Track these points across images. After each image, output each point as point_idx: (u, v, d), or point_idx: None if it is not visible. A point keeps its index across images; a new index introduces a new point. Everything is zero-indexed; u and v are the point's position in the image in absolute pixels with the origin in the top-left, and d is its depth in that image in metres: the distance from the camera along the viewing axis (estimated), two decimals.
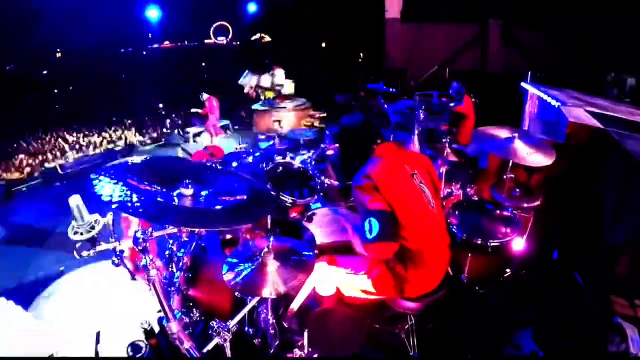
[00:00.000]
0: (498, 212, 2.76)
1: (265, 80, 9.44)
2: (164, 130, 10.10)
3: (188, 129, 9.47)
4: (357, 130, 2.11)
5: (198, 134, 9.18)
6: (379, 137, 2.11)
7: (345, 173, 2.19)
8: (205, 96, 8.66)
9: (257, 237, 2.25)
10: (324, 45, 14.79)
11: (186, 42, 16.78)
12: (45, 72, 13.26)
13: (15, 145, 8.77)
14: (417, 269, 1.93)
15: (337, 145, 2.24)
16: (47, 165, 7.62)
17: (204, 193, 1.78)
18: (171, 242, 2.21)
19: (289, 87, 9.65)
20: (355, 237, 2.10)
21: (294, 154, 3.52)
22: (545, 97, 3.97)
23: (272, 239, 1.75)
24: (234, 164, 3.35)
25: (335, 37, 13.46)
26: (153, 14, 14.48)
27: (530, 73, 4.86)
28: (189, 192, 1.68)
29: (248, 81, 9.41)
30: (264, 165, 3.04)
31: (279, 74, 9.46)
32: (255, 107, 9.41)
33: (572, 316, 2.47)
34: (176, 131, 10.01)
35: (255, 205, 1.80)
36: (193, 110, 8.93)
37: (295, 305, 2.15)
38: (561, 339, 2.31)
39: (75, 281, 3.19)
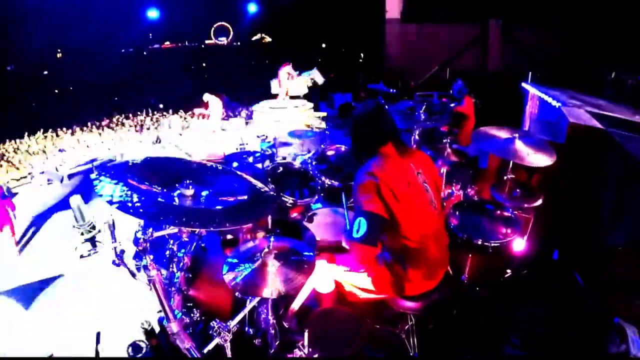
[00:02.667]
0: (498, 212, 2.76)
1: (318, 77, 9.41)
2: (164, 130, 10.11)
3: (188, 129, 9.48)
4: (369, 116, 2.02)
5: (198, 134, 9.18)
6: (389, 133, 2.00)
7: (356, 163, 2.11)
8: (207, 95, 8.66)
9: (257, 237, 2.24)
10: (324, 45, 14.80)
11: (187, 42, 16.79)
12: (45, 72, 13.26)
13: (15, 145, 8.77)
14: (416, 268, 1.93)
15: (349, 135, 2.12)
16: (47, 165, 7.62)
17: (204, 193, 1.78)
18: (171, 242, 2.21)
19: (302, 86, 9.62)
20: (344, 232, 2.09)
21: (294, 154, 3.52)
22: (545, 97, 3.98)
23: (272, 239, 1.75)
24: (235, 164, 3.35)
25: (335, 37, 13.47)
26: (153, 13, 14.51)
27: (530, 73, 4.87)
28: (189, 192, 1.68)
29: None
30: (265, 166, 3.05)
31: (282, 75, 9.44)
32: (255, 107, 9.43)
33: (572, 316, 2.47)
34: (176, 131, 10.01)
35: (256, 205, 1.81)
36: (196, 110, 8.94)
37: (296, 305, 2.15)
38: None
39: (76, 281, 3.19)
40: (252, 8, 16.02)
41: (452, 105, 4.86)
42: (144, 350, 1.97)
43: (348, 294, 2.14)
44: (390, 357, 2.27)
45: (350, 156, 3.30)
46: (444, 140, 3.69)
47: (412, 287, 1.97)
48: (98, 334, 2.21)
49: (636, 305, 2.24)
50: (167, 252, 2.23)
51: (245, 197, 1.82)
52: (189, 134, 9.29)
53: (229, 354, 1.67)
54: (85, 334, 2.41)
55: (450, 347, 2.41)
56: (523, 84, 4.85)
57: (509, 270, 2.86)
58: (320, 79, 9.33)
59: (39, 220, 5.46)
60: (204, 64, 15.26)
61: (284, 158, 3.27)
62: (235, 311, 1.87)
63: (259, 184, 2.04)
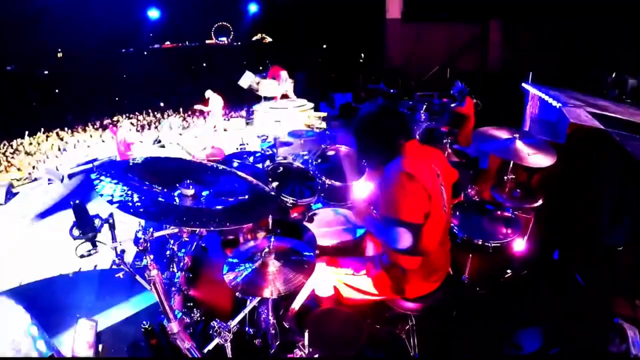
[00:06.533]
0: (499, 212, 2.76)
1: (267, 88, 9.44)
2: (165, 130, 10.12)
3: (189, 129, 9.49)
4: (380, 117, 1.87)
5: (199, 134, 9.19)
6: (408, 129, 1.88)
7: (370, 166, 1.97)
8: (210, 93, 8.67)
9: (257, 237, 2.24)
10: (324, 45, 14.80)
11: (187, 42, 16.80)
12: (46, 72, 13.27)
13: (16, 145, 8.78)
14: (418, 271, 1.91)
15: (356, 139, 1.95)
16: (47, 165, 7.63)
17: (204, 193, 1.78)
18: (172, 242, 2.21)
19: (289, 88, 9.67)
20: (377, 234, 2.00)
21: (294, 154, 3.52)
22: (546, 97, 3.98)
23: (272, 239, 1.75)
24: (235, 164, 3.35)
25: (335, 37, 13.47)
26: (154, 13, 14.52)
27: (530, 73, 4.86)
28: (189, 192, 1.68)
29: (248, 81, 9.41)
30: (265, 165, 3.05)
31: (284, 76, 9.45)
32: (256, 107, 9.43)
33: (572, 316, 2.47)
34: (177, 131, 10.02)
35: (256, 205, 1.80)
36: (197, 107, 8.94)
37: (296, 305, 2.15)
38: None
39: (76, 281, 3.19)
40: (253, 8, 16.02)
41: (452, 105, 4.86)
42: (144, 351, 1.97)
43: (346, 300, 2.12)
44: (390, 357, 2.27)
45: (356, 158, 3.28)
46: (444, 141, 3.69)
47: (412, 289, 1.96)
48: (99, 334, 2.20)
49: (637, 305, 2.24)
50: (168, 252, 2.23)
51: (246, 197, 1.82)
52: (189, 133, 9.30)
53: (229, 354, 1.67)
54: (85, 333, 2.41)
55: (451, 348, 2.41)
56: (523, 84, 4.85)
57: (509, 271, 2.86)
58: (245, 83, 9.38)
59: (39, 220, 5.47)
60: (204, 64, 15.26)
61: (285, 158, 3.27)
62: (235, 311, 1.87)
63: (261, 184, 2.04)
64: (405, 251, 1.70)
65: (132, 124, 9.78)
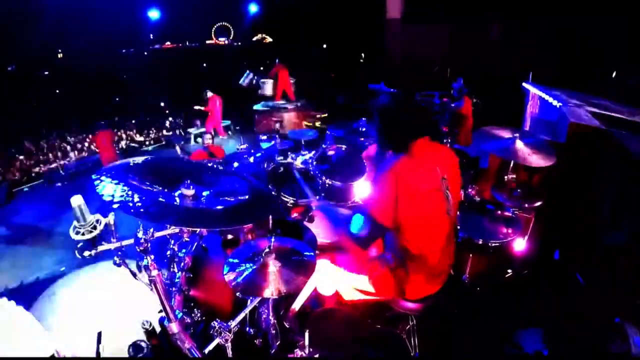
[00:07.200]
0: (499, 212, 2.76)
1: (268, 88, 9.50)
2: (165, 130, 10.13)
3: (189, 130, 9.49)
4: (396, 112, 1.85)
5: (199, 135, 9.18)
6: (422, 127, 1.86)
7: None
8: (209, 94, 8.65)
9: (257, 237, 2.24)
10: (324, 45, 14.80)
11: (187, 43, 16.81)
12: (46, 73, 13.27)
13: (17, 145, 8.77)
14: (418, 272, 1.91)
15: (376, 128, 1.95)
16: (48, 165, 7.63)
17: (205, 193, 1.78)
18: (172, 242, 2.22)
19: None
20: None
21: (295, 155, 3.52)
22: (546, 97, 3.97)
23: (273, 239, 1.75)
24: (235, 164, 3.35)
25: (335, 37, 13.47)
26: (154, 14, 14.53)
27: (531, 73, 4.86)
28: (190, 192, 1.68)
29: (248, 81, 9.43)
30: (265, 166, 3.05)
31: (285, 75, 9.47)
32: (257, 107, 9.42)
33: (572, 316, 2.47)
34: (177, 131, 10.03)
35: (257, 205, 1.81)
36: (196, 107, 8.93)
37: (297, 305, 2.15)
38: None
39: (77, 281, 3.20)
40: (253, 8, 16.04)
41: (452, 105, 4.86)
42: (144, 351, 1.97)
43: (348, 301, 2.12)
44: (391, 357, 2.27)
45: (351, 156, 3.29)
46: (445, 141, 3.69)
47: (414, 290, 1.96)
48: (99, 334, 2.20)
49: (637, 305, 2.23)
50: (168, 252, 2.23)
51: (246, 197, 1.82)
52: (190, 133, 9.32)
53: (229, 354, 1.68)
54: (86, 333, 2.42)
55: (451, 347, 2.41)
56: (524, 84, 4.84)
57: (509, 270, 2.86)
58: (245, 83, 9.48)
59: (40, 220, 5.47)
60: (204, 64, 15.26)
61: (285, 158, 3.26)
62: (236, 311, 1.87)
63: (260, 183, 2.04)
64: (357, 239, 1.80)
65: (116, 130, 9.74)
